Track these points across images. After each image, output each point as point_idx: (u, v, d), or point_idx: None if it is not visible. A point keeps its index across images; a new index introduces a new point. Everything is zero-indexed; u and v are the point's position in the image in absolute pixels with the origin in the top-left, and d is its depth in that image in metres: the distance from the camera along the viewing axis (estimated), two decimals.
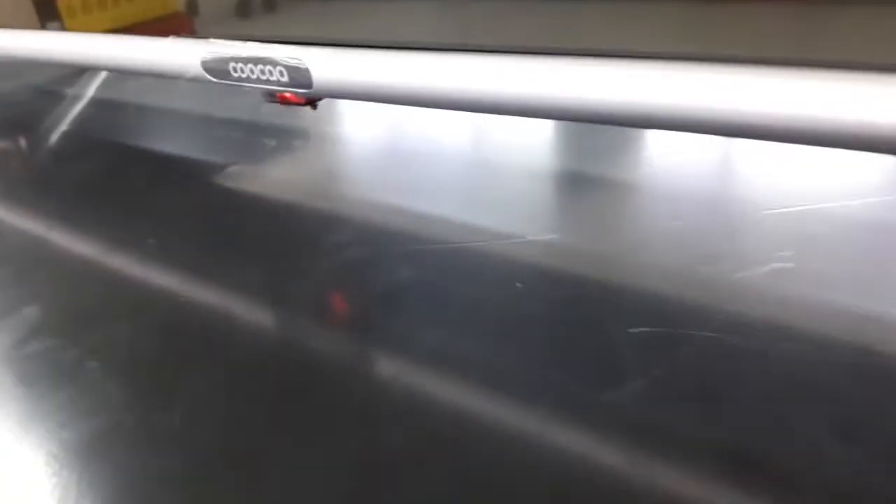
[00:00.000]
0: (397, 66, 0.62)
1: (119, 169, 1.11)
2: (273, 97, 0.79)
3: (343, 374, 0.57)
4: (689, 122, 0.50)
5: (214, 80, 0.79)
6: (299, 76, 0.70)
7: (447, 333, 0.59)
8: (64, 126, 1.39)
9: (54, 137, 1.35)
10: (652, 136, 0.93)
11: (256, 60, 0.73)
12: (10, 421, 0.56)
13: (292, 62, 0.70)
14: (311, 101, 0.77)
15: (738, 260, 0.62)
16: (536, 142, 0.98)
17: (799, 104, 0.45)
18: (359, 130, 1.10)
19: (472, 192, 0.85)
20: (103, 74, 1.66)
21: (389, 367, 0.57)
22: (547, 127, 1.00)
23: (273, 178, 0.97)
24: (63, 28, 1.46)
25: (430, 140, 1.04)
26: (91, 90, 1.59)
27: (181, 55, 0.81)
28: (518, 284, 0.63)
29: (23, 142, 1.40)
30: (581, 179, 0.86)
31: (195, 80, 0.81)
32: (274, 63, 0.71)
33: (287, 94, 0.77)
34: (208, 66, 0.78)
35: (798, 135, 0.46)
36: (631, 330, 0.55)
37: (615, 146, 0.92)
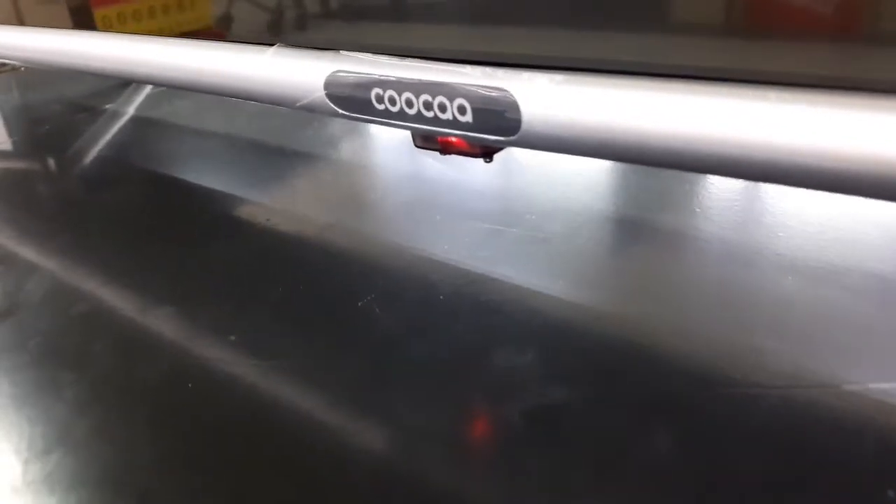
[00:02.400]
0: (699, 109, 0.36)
1: (168, 208, 0.86)
2: (430, 142, 0.54)
3: None
4: None
5: (342, 112, 0.54)
6: (497, 115, 0.44)
7: None
8: (100, 147, 1.15)
9: (88, 160, 1.11)
10: None
11: (422, 87, 0.47)
12: None
13: (488, 92, 0.44)
14: (490, 152, 0.52)
15: None
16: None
17: None
18: (489, 172, 0.85)
19: (750, 290, 0.58)
20: (149, 88, 1.42)
21: None
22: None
23: (385, 240, 0.72)
24: None
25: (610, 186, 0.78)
26: (132, 107, 1.35)
27: (292, 73, 0.56)
28: (890, 493, 0.37)
29: (52, 163, 1.16)
30: None
31: (308, 109, 0.56)
32: (453, 92, 0.46)
33: (454, 139, 0.51)
34: (336, 93, 0.53)
35: None
36: None
37: None
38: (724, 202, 0.72)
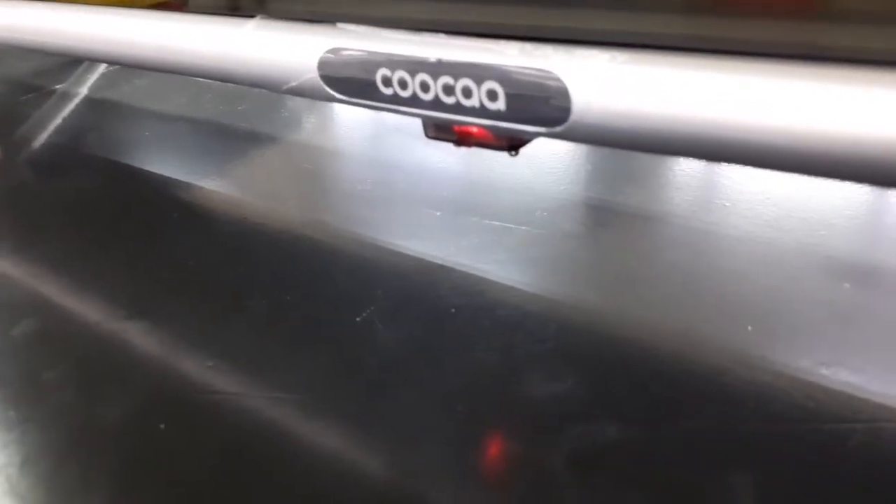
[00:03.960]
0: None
1: (130, 203, 0.77)
2: (445, 132, 0.45)
3: None
4: None
5: (339, 96, 0.45)
6: (538, 103, 0.36)
7: None
8: (50, 132, 1.04)
9: (36, 147, 1.00)
10: None
11: (441, 68, 0.39)
12: None
13: (528, 74, 0.36)
14: (517, 144, 0.44)
15: None
16: None
17: None
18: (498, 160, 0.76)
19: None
20: (103, 66, 1.30)
21: None
22: None
23: (381, 239, 0.64)
24: None
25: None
26: (85, 87, 1.24)
27: (278, 51, 0.47)
28: None
29: None
30: None
31: (297, 93, 0.48)
32: (482, 74, 0.38)
33: (474, 129, 0.43)
34: (333, 74, 0.44)
35: None
36: None
37: None
38: (758, 195, 0.65)
